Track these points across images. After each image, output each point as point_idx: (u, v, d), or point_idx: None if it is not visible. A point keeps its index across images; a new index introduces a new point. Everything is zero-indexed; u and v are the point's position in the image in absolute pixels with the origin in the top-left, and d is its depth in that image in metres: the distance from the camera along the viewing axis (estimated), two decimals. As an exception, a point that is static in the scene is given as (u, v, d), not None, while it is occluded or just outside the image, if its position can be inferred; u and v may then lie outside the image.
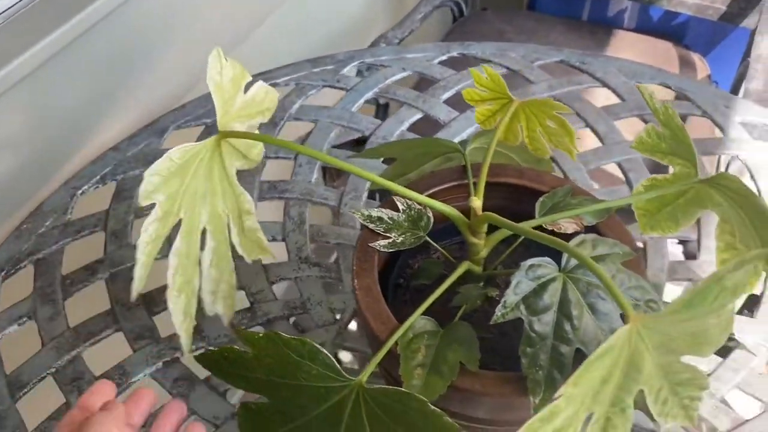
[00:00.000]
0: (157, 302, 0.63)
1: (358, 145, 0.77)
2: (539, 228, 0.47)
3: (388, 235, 0.48)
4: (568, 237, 0.47)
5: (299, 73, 0.85)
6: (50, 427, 0.55)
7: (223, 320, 0.51)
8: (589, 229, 0.48)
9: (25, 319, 0.62)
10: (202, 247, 0.48)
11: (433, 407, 0.37)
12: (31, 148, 0.72)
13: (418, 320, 0.43)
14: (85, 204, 0.72)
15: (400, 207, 0.49)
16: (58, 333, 0.61)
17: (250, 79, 0.50)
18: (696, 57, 1.33)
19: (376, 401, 0.39)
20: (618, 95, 0.80)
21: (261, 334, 0.42)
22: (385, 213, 0.49)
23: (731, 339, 0.58)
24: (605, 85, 0.81)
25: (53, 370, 0.58)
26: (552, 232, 0.47)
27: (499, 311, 0.40)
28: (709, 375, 0.56)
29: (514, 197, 0.51)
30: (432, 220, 0.48)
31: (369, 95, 0.82)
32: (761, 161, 0.71)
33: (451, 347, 0.42)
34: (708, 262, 0.64)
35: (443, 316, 0.45)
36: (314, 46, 1.12)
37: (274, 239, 0.68)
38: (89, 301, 0.64)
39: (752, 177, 0.70)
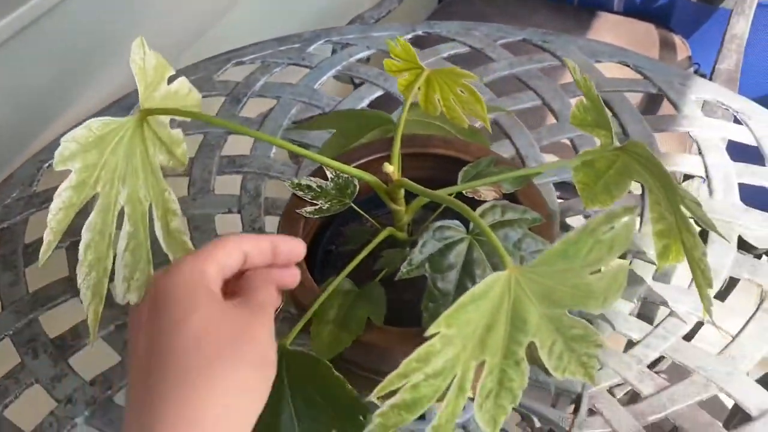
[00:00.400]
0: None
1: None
2: (459, 196, 0.49)
3: (315, 202, 0.50)
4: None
5: (265, 51, 0.87)
6: (7, 385, 0.58)
7: None
8: (508, 198, 0.49)
9: (-13, 284, 0.65)
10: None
11: (337, 373, 0.40)
12: (1, 123, 0.75)
13: (339, 284, 0.45)
14: (52, 177, 0.75)
15: (329, 176, 0.51)
16: (18, 298, 0.63)
17: (173, 72, 0.52)
18: (677, 39, 1.33)
19: (296, 365, 0.41)
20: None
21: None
22: (315, 181, 0.50)
23: (665, 307, 0.60)
24: (564, 63, 0.83)
25: (10, 332, 0.61)
26: (473, 200, 0.49)
27: (404, 268, 0.42)
28: (638, 342, 0.58)
29: (443, 167, 0.53)
30: (357, 188, 0.50)
31: (332, 73, 0.84)
32: (710, 137, 0.72)
33: (361, 305, 0.44)
34: (648, 235, 0.65)
35: (370, 280, 0.47)
36: (292, 25, 1.14)
37: (229, 211, 0.70)
38: (49, 268, 0.66)
39: (700, 152, 0.71)
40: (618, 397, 0.55)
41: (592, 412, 0.54)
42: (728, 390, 0.54)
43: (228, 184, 0.73)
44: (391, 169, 0.44)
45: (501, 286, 0.36)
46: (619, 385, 0.56)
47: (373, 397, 0.36)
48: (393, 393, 0.36)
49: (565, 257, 0.36)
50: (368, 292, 0.45)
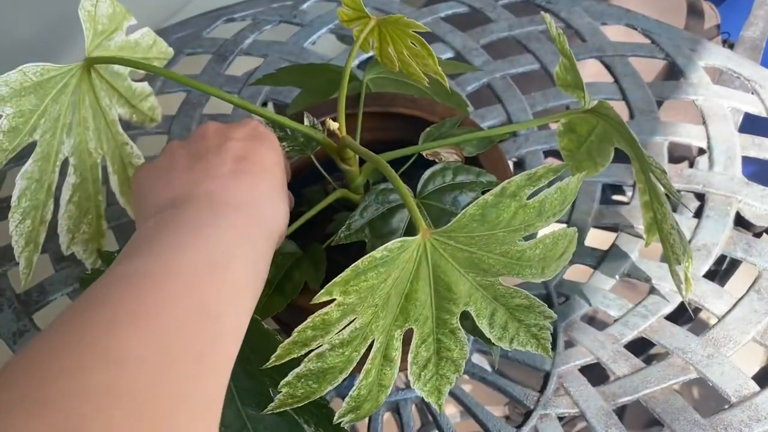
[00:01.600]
0: (86, 227, 0.65)
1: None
2: (421, 159, 0.47)
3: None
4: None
5: (257, 9, 0.84)
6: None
7: (85, 264, 0.51)
8: (469, 161, 0.47)
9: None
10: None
11: (266, 326, 0.38)
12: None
13: (283, 243, 0.43)
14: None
15: (307, 122, 0.47)
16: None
17: (134, 21, 0.49)
18: (706, 5, 1.26)
19: None
20: (579, 36, 0.77)
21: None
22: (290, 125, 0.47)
23: (648, 282, 0.57)
24: (568, 25, 0.78)
25: (-23, 286, 0.61)
26: (434, 163, 0.46)
27: (342, 233, 0.40)
28: (616, 320, 0.55)
29: (409, 128, 0.50)
30: (321, 143, 0.47)
31: (323, 31, 0.81)
32: (716, 106, 0.68)
33: (300, 268, 0.42)
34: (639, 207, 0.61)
35: (321, 243, 0.45)
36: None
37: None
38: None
39: (704, 122, 0.67)
40: (603, 384, 0.52)
41: (560, 390, 0.51)
42: (706, 374, 0.50)
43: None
44: (336, 125, 0.42)
45: (412, 251, 0.33)
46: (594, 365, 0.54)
47: (269, 365, 0.33)
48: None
49: (483, 222, 0.33)
50: (310, 255, 0.43)
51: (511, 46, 0.78)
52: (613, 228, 0.61)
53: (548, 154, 0.68)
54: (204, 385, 0.27)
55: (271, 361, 0.33)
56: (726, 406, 0.49)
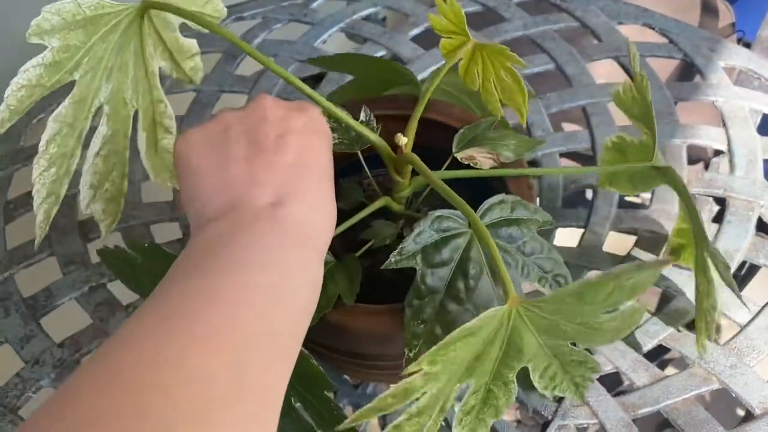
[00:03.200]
0: (94, 230, 0.64)
1: (316, 82, 0.75)
2: (454, 162, 0.45)
3: None
4: (483, 181, 0.45)
5: (267, 7, 0.83)
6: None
7: (100, 228, 0.48)
8: (496, 182, 0.45)
9: (-33, 240, 0.64)
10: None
11: (303, 349, 0.37)
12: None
13: None
14: (40, 131, 0.73)
15: (363, 117, 0.46)
16: (-5, 254, 0.62)
17: None
18: (721, 3, 1.24)
19: None
20: (595, 35, 0.76)
21: (147, 244, 0.42)
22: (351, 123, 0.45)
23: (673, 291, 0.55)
24: (584, 24, 0.77)
25: (-16, 289, 0.60)
26: (468, 167, 0.45)
27: (393, 257, 0.38)
28: (637, 328, 0.53)
29: (430, 131, 0.49)
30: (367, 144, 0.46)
31: (334, 30, 0.79)
32: (736, 108, 0.66)
33: (334, 279, 0.41)
34: (658, 211, 0.60)
35: (351, 247, 0.44)
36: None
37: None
38: (29, 226, 0.65)
39: (724, 124, 0.65)
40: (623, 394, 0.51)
41: (578, 401, 0.50)
42: (729, 384, 0.49)
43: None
44: (404, 141, 0.40)
45: (498, 320, 0.33)
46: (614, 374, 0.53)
47: (342, 428, 0.33)
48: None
49: (579, 299, 0.32)
50: (345, 266, 0.42)
51: (524, 45, 0.76)
52: (631, 232, 0.60)
53: (564, 156, 0.67)
54: (268, 407, 0.28)
55: (343, 425, 0.33)
56: (751, 419, 0.48)
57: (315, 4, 0.83)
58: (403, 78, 0.53)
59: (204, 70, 0.77)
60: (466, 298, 0.39)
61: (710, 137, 0.65)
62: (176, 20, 0.47)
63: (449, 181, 0.41)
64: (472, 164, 0.45)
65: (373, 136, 0.42)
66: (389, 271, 0.39)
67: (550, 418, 0.49)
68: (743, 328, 0.52)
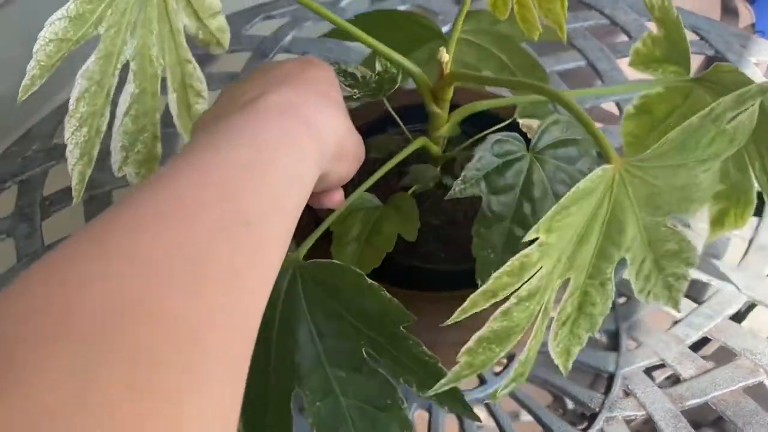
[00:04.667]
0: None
1: (347, 78, 0.76)
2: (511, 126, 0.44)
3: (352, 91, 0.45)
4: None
5: (295, 6, 0.83)
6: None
7: None
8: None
9: (4, 235, 0.64)
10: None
11: (370, 280, 0.35)
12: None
13: (359, 198, 0.41)
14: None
15: (378, 67, 0.45)
16: (33, 250, 0.62)
17: None
18: (741, 4, 1.25)
19: (313, 278, 0.37)
20: (625, 32, 0.76)
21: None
22: (360, 70, 0.45)
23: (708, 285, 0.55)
24: (613, 22, 0.77)
25: (24, 284, 0.60)
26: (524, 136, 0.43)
27: (457, 186, 0.37)
28: (680, 320, 0.54)
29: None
30: (398, 84, 0.45)
31: (364, 28, 0.80)
32: (771, 103, 0.67)
33: (389, 220, 0.40)
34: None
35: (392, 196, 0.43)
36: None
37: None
38: (66, 222, 0.65)
39: (759, 120, 0.66)
40: (658, 381, 0.52)
41: (626, 393, 0.50)
42: (778, 376, 0.49)
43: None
44: (446, 58, 0.38)
45: (605, 184, 0.30)
46: (659, 367, 0.53)
47: (450, 322, 0.30)
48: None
49: (682, 150, 0.30)
50: (397, 205, 0.41)
51: (555, 43, 0.77)
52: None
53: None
54: (238, 303, 0.25)
55: (454, 316, 0.30)
56: (799, 409, 0.48)
57: (344, 3, 0.83)
58: (428, 32, 0.50)
59: (234, 68, 0.78)
60: (534, 223, 0.38)
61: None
62: None
63: (469, 123, 0.42)
64: (529, 135, 0.43)
65: (413, 66, 0.40)
66: (436, 222, 0.39)
67: (597, 409, 0.50)
68: (788, 319, 0.52)
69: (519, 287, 0.30)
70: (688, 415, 0.49)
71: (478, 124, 0.45)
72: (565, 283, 0.33)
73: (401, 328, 0.34)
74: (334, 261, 0.36)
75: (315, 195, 0.40)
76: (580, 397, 0.50)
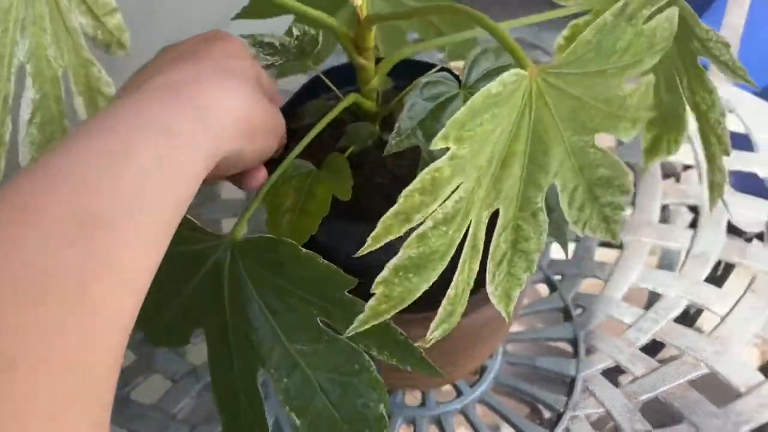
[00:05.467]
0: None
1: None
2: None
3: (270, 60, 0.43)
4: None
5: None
6: None
7: None
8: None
9: None
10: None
11: (304, 250, 0.34)
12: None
13: (292, 165, 0.39)
14: None
15: (295, 33, 0.43)
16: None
17: None
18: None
19: (253, 255, 0.36)
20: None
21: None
22: (278, 39, 0.43)
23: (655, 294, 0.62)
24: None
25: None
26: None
27: (392, 139, 0.36)
28: (630, 326, 0.60)
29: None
30: (320, 44, 0.44)
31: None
32: (700, 126, 0.75)
33: (322, 183, 0.39)
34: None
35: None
36: None
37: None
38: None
39: (691, 142, 0.74)
40: (624, 384, 0.57)
41: (586, 394, 0.57)
42: (716, 368, 0.56)
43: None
44: (359, 2, 0.36)
45: (521, 94, 0.29)
46: (618, 371, 0.59)
47: (364, 252, 0.28)
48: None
49: (598, 52, 0.29)
50: (329, 167, 0.39)
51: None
52: (618, 246, 0.67)
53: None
54: (90, 323, 0.22)
55: (367, 244, 0.28)
56: (738, 397, 0.55)
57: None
58: None
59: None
60: None
61: (679, 153, 0.73)
62: None
63: (403, 76, 0.41)
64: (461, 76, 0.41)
65: (327, 18, 0.38)
66: (380, 180, 0.38)
67: (562, 410, 0.56)
68: (723, 318, 0.59)
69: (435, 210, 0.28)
70: (651, 414, 0.55)
71: (411, 75, 0.43)
72: (496, 218, 0.32)
73: (346, 293, 0.34)
74: (265, 235, 0.35)
75: (237, 176, 0.39)
76: (546, 401, 0.57)
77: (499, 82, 0.28)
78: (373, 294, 0.29)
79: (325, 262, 0.34)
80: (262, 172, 0.39)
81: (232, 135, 0.32)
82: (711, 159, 0.43)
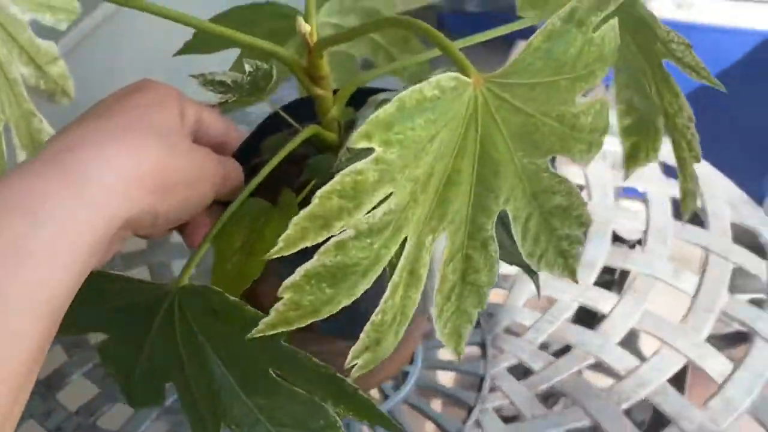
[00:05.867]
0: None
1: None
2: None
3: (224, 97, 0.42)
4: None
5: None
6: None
7: None
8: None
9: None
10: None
11: (232, 298, 0.33)
12: None
13: (246, 203, 0.37)
14: None
15: (248, 69, 0.41)
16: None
17: None
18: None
19: (198, 304, 0.35)
20: None
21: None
22: (229, 76, 0.40)
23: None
24: None
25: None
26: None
27: (342, 156, 0.34)
28: (529, 328, 0.70)
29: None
30: (274, 78, 0.41)
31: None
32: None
33: (271, 223, 0.37)
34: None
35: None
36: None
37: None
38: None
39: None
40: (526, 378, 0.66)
41: (493, 389, 0.66)
42: (601, 357, 0.66)
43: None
44: (307, 28, 0.34)
45: (463, 103, 0.27)
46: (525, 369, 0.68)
47: (270, 256, 0.26)
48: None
49: (548, 60, 0.27)
50: (280, 206, 0.37)
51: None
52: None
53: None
54: None
55: (278, 247, 0.25)
56: (619, 380, 0.65)
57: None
58: (292, 20, 0.43)
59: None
60: None
61: (571, 174, 0.84)
62: (22, 14, 0.42)
63: (360, 99, 0.39)
64: None
65: (278, 49, 0.37)
66: None
67: (473, 404, 0.65)
68: (607, 315, 0.70)
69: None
70: (551, 400, 0.64)
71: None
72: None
73: (282, 342, 0.32)
74: (199, 285, 0.34)
75: (181, 229, 0.38)
76: (459, 396, 0.66)
77: (435, 84, 0.25)
78: (281, 298, 0.26)
79: (253, 310, 0.32)
80: (203, 228, 0.38)
81: (135, 195, 0.30)
82: (682, 166, 0.41)
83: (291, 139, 0.40)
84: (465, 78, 0.26)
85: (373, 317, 0.28)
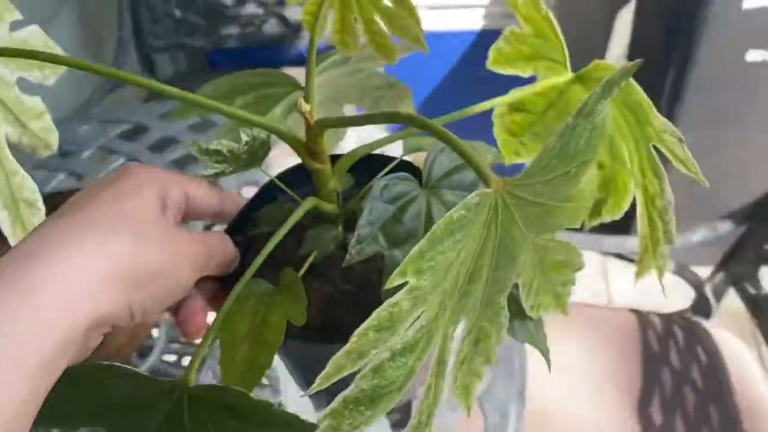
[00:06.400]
0: None
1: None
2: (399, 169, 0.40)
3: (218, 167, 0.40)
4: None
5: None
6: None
7: None
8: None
9: None
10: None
11: (255, 399, 0.31)
12: None
13: (246, 286, 0.35)
14: None
15: (244, 138, 0.40)
16: None
17: (19, 17, 0.42)
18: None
19: (210, 401, 0.32)
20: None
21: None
22: (225, 146, 0.40)
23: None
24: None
25: None
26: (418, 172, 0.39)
27: (352, 248, 0.33)
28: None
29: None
30: (270, 149, 0.40)
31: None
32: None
33: (277, 305, 0.35)
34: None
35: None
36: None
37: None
38: None
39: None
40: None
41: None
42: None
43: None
44: (308, 107, 0.35)
45: (486, 212, 0.27)
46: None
47: (313, 391, 0.26)
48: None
49: (562, 156, 0.28)
50: (283, 288, 0.36)
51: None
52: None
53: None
54: None
55: (316, 384, 0.25)
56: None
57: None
58: (282, 83, 0.45)
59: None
60: None
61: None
62: (11, 75, 0.42)
63: (361, 171, 0.39)
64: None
65: (278, 127, 0.37)
66: (349, 287, 0.36)
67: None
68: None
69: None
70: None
71: (370, 170, 0.42)
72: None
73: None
74: (210, 385, 0.32)
75: (178, 320, 0.37)
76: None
77: (463, 206, 0.26)
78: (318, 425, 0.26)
79: (277, 408, 0.30)
80: (198, 314, 0.37)
81: (101, 294, 0.30)
82: (655, 244, 0.42)
83: (288, 208, 0.40)
84: (487, 190, 0.27)
85: (411, 421, 0.29)
